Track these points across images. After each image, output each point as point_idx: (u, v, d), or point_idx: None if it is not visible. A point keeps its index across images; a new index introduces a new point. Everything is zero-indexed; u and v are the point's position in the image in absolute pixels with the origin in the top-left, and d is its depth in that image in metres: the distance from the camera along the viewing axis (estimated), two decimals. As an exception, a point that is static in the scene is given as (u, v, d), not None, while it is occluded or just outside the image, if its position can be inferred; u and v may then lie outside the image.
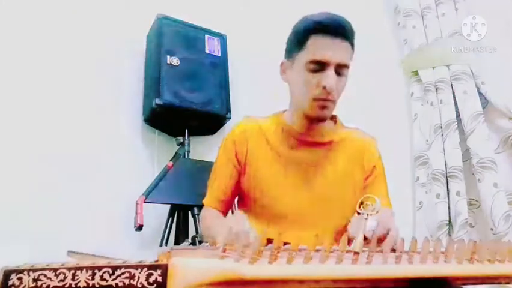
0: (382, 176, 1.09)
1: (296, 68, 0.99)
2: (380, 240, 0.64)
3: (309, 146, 1.06)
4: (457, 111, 1.75)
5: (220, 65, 1.86)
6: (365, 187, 1.07)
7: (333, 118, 1.11)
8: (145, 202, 1.50)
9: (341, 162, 1.06)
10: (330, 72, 0.92)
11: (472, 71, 1.76)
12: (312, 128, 1.04)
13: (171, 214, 1.63)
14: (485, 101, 1.74)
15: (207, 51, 1.85)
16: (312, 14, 0.98)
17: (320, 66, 0.93)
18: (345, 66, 0.95)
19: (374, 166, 1.08)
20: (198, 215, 1.59)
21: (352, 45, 0.98)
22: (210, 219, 1.06)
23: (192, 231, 1.61)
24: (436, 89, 1.82)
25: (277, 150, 1.06)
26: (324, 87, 0.93)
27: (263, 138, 1.08)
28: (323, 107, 0.97)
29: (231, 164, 1.09)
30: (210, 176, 1.14)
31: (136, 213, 1.46)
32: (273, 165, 1.05)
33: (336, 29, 0.93)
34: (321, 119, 1.02)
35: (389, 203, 1.07)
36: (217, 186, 1.10)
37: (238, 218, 0.81)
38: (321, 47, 0.93)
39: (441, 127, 1.76)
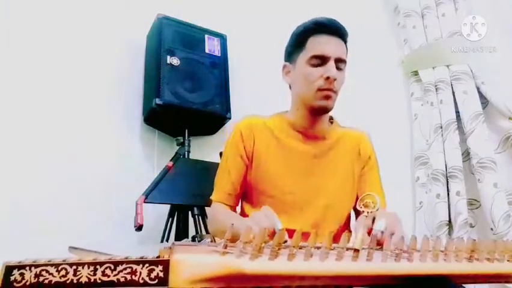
0: (376, 167, 1.16)
1: (298, 67, 1.06)
2: (379, 242, 0.64)
3: (313, 139, 1.11)
4: (457, 111, 1.75)
5: (220, 65, 1.86)
6: (361, 175, 1.13)
7: (330, 119, 1.18)
8: (145, 202, 1.49)
9: (341, 157, 1.12)
10: (331, 64, 1.00)
11: (472, 71, 1.76)
12: (314, 123, 1.10)
13: (171, 214, 1.63)
14: (485, 101, 1.74)
15: (207, 51, 1.85)
16: (309, 19, 1.07)
17: (321, 60, 1.01)
18: (344, 61, 1.04)
19: (369, 157, 1.15)
20: (198, 215, 1.59)
21: (346, 45, 1.07)
22: (223, 215, 1.07)
23: (191, 231, 1.60)
24: (436, 89, 1.82)
25: (283, 143, 1.11)
26: (328, 78, 0.99)
27: (269, 132, 1.12)
28: (327, 97, 1.03)
29: (239, 158, 1.11)
30: (218, 172, 1.15)
31: (136, 213, 1.46)
32: (280, 157, 1.10)
33: (333, 28, 1.03)
34: (326, 110, 1.06)
35: (382, 194, 1.12)
36: (227, 181, 1.11)
37: (267, 214, 0.80)
38: (320, 43, 1.02)
39: (441, 127, 1.77)
